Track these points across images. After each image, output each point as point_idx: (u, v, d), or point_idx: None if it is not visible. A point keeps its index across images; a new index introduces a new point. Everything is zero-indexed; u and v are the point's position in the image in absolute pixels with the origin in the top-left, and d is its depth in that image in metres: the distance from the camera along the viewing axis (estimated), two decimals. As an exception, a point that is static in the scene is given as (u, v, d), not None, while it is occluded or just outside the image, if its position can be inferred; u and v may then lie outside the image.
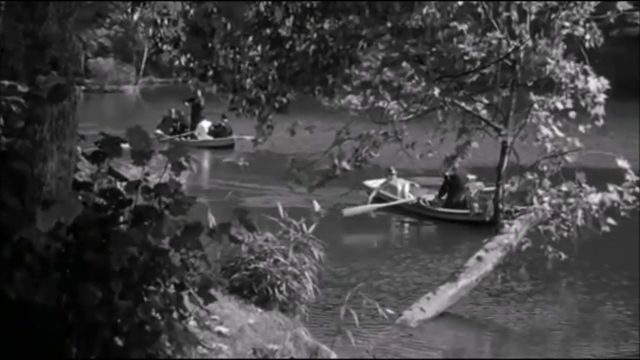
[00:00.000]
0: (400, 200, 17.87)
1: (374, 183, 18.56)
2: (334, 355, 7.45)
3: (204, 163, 23.29)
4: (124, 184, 4.22)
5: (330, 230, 14.61)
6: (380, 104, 12.29)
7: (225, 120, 24.69)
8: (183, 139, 24.75)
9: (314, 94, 7.48)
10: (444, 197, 17.36)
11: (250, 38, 7.22)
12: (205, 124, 26.05)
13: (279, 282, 8.22)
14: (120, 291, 3.90)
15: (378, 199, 18.12)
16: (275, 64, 7.45)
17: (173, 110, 26.75)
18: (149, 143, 4.06)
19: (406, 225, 17.11)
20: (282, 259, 8.28)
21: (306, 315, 8.50)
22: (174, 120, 26.15)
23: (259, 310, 7.93)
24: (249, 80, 7.19)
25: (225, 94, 7.41)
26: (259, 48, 7.32)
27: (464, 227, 15.58)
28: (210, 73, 7.22)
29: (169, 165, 4.19)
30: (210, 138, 25.74)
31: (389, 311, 8.40)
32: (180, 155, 4.20)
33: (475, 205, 16.50)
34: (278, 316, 7.96)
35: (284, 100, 7.49)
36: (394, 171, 18.42)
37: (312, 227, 8.54)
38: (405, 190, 18.31)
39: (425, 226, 16.89)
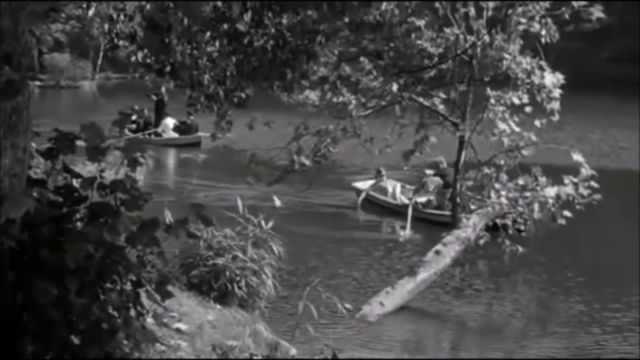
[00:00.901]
0: (393, 202, 17.25)
1: (363, 185, 18.04)
2: (293, 351, 7.45)
3: (169, 161, 23.06)
4: (79, 180, 4.18)
5: (292, 225, 14.64)
6: (339, 99, 12.30)
7: (191, 117, 24.17)
8: (147, 136, 24.37)
9: (272, 89, 7.46)
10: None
11: (208, 33, 7.17)
12: (170, 121, 25.47)
13: (238, 278, 8.18)
14: (76, 289, 3.86)
15: (367, 200, 17.63)
16: (234, 59, 7.40)
17: (135, 108, 26.17)
18: (104, 139, 4.02)
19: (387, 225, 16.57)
20: (241, 255, 8.25)
21: (266, 311, 8.48)
22: (133, 119, 25.72)
23: (218, 306, 7.90)
24: (206, 75, 7.15)
25: (183, 90, 7.37)
26: (217, 43, 7.26)
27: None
28: (168, 69, 7.16)
29: (125, 162, 4.15)
30: (175, 135, 25.28)
31: (348, 306, 8.42)
32: (136, 151, 4.16)
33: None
34: (237, 312, 7.93)
35: (243, 95, 7.46)
36: (383, 172, 17.81)
37: (271, 223, 8.52)
38: (397, 191, 17.65)
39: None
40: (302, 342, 7.82)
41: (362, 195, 17.65)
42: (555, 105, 11.74)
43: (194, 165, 18.69)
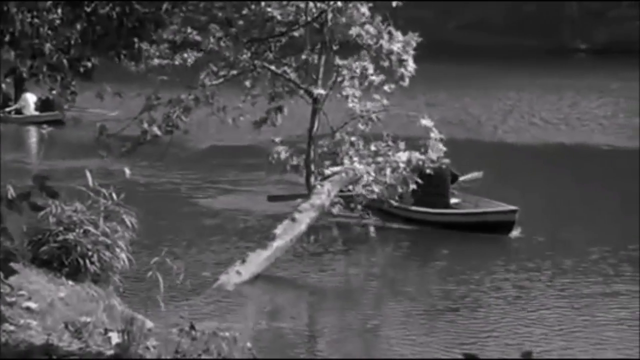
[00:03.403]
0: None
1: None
2: (150, 324, 7.35)
3: (31, 140, 22.07)
4: None
5: (147, 198, 14.42)
6: (189, 67, 12.14)
7: (54, 92, 22.75)
8: (7, 114, 22.96)
9: (119, 58, 7.25)
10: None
11: (49, 1, 6.91)
12: (30, 97, 23.98)
13: (90, 253, 7.98)
14: None
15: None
16: (78, 27, 7.15)
17: None
18: None
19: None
20: (92, 229, 8.04)
21: (120, 286, 8.32)
22: None
23: (70, 282, 7.69)
24: (48, 44, 6.89)
25: (24, 61, 7.07)
26: (59, 11, 7.00)
27: (441, 232, 13.27)
28: (7, 38, 6.86)
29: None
30: (36, 113, 23.93)
31: (203, 275, 8.38)
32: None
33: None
34: (90, 288, 7.75)
35: (88, 65, 7.23)
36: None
37: (122, 195, 8.33)
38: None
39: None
40: (159, 315, 7.73)
41: None
42: (410, 63, 11.83)
43: (53, 142, 18.09)
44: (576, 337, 9.32)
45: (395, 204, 13.63)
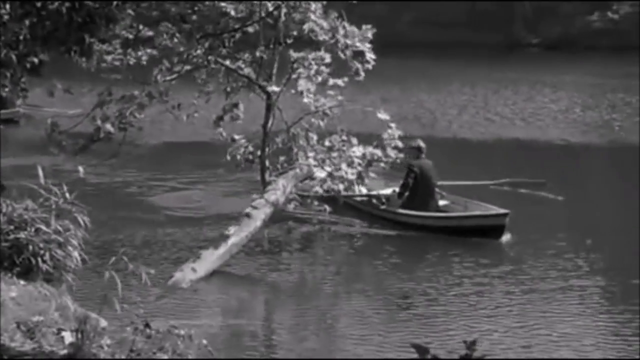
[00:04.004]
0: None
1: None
2: (104, 323, 7.28)
3: None
4: None
5: (100, 196, 14.29)
6: (143, 64, 12.03)
7: (7, 89, 22.29)
8: None
9: (69, 54, 7.16)
10: (405, 194, 13.36)
11: (-3, -4, 6.81)
12: None
13: (42, 252, 7.90)
14: None
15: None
16: (27, 22, 7.05)
17: None
18: None
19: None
20: (44, 228, 7.96)
21: (74, 284, 8.23)
22: None
23: (22, 282, 7.61)
24: (-4, 40, 6.80)
25: (-31, 56, 6.96)
26: (8, 6, 6.90)
27: (432, 237, 12.73)
28: (-46, 33, 6.75)
29: None
30: None
31: (157, 273, 8.31)
32: None
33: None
34: (43, 287, 7.66)
35: (35, 60, 7.12)
36: None
37: (75, 194, 8.25)
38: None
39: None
40: (112, 314, 7.64)
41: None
42: (369, 55, 11.80)
43: (5, 141, 17.77)
44: (532, 333, 9.35)
45: (382, 207, 13.38)
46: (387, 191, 13.67)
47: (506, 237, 12.45)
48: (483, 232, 12.39)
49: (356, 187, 13.61)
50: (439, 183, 13.49)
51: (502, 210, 12.59)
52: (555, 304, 10.19)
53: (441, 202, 13.39)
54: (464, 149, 19.43)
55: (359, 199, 13.79)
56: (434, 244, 12.52)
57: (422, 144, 13.40)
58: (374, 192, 13.74)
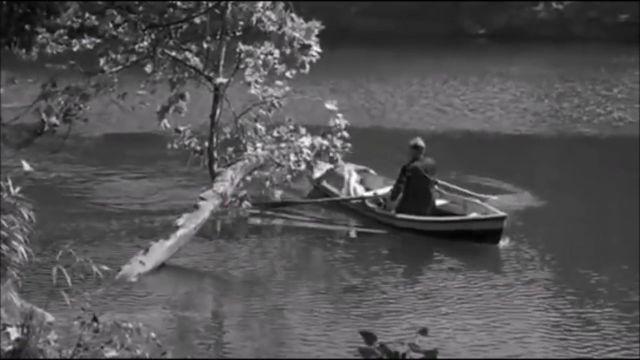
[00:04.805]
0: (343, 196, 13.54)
1: (317, 171, 13.95)
2: (50, 318, 7.19)
3: None
4: None
5: (45, 190, 14.09)
6: (89, 54, 11.88)
7: None
8: None
9: (9, 45, 7.03)
10: (398, 197, 12.79)
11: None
12: None
13: (-15, 247, 7.75)
14: None
15: (323, 192, 14.05)
16: (-33, 14, 6.91)
17: None
18: None
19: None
20: (-13, 223, 7.80)
21: (19, 279, 8.10)
22: None
23: (-35, 278, 7.47)
24: None
25: None
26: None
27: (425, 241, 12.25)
28: None
29: None
30: None
31: (105, 267, 8.19)
32: None
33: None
34: (-13, 284, 7.52)
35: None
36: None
37: (18, 188, 8.10)
38: (352, 179, 13.86)
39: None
40: (59, 309, 7.56)
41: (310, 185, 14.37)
42: (315, 48, 11.78)
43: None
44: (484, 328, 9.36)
45: (377, 209, 12.90)
46: (386, 190, 13.21)
47: (504, 242, 11.83)
48: (478, 236, 11.71)
49: (352, 186, 13.61)
50: (440, 182, 13.02)
51: (500, 214, 11.91)
52: (508, 299, 10.17)
53: (439, 202, 12.84)
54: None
55: (353, 201, 13.43)
56: (396, 240, 12.47)
57: (420, 143, 12.78)
58: (370, 193, 13.38)
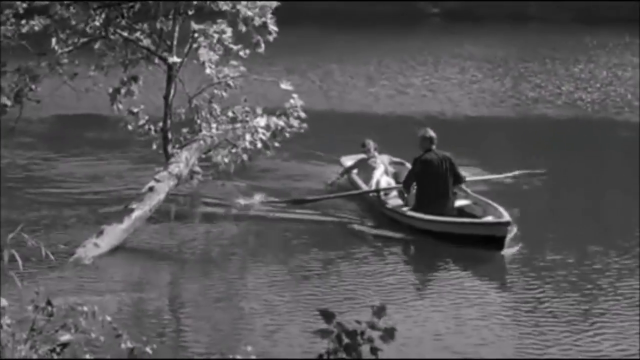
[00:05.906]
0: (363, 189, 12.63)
1: (349, 160, 13.58)
2: (3, 302, 7.08)
3: None
4: None
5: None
6: (40, 35, 11.70)
7: None
8: None
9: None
10: (410, 193, 11.86)
11: None
12: None
13: None
14: None
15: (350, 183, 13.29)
16: None
17: None
18: None
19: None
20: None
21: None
22: None
23: None
24: None
25: None
26: None
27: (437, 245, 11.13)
28: None
29: None
30: None
31: (60, 248, 8.12)
32: None
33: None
34: None
35: None
36: (371, 144, 13.29)
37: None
38: (377, 172, 12.79)
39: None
40: (12, 293, 7.45)
41: (333, 178, 13.65)
42: (270, 30, 11.69)
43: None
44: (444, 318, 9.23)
45: (389, 206, 12.02)
46: (391, 182, 12.58)
47: (510, 249, 10.73)
48: (482, 242, 10.62)
49: (377, 179, 12.61)
50: (469, 179, 12.13)
51: (502, 219, 10.82)
52: (467, 288, 9.90)
53: (461, 202, 11.76)
54: (373, 123, 19.18)
55: (370, 194, 12.52)
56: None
57: (430, 134, 11.73)
58: (373, 186, 12.57)
